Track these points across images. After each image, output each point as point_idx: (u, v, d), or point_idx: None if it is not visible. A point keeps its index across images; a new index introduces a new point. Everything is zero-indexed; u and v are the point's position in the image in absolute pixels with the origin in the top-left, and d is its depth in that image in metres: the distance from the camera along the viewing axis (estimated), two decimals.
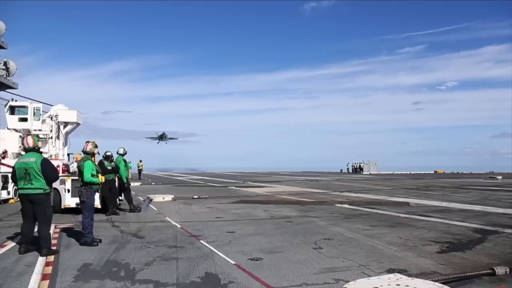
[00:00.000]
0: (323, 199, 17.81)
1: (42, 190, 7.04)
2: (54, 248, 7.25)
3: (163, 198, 17.11)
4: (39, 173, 6.96)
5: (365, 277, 5.20)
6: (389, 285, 4.39)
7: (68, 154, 27.62)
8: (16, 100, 24.16)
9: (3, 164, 18.37)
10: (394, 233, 8.88)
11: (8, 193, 16.06)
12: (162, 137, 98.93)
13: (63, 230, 9.40)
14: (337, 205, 14.92)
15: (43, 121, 25.92)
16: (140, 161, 44.13)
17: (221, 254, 6.85)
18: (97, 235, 8.12)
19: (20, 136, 23.30)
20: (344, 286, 4.52)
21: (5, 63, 18.92)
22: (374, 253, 6.96)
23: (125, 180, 13.61)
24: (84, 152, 8.56)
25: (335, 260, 6.47)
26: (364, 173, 61.45)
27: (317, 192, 22.57)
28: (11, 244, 7.79)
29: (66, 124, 27.01)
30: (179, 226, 10.02)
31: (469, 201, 16.34)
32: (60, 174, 14.86)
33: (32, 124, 24.63)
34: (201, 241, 8.01)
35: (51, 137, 26.13)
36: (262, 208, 14.18)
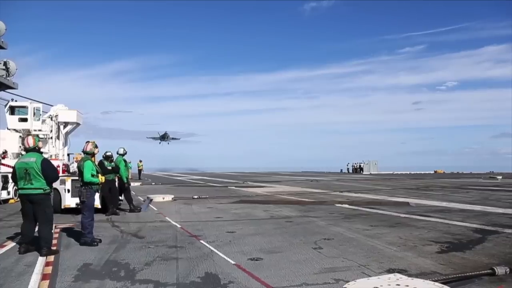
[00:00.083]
0: (323, 199, 17.82)
1: (42, 190, 7.04)
2: (54, 248, 7.25)
3: (163, 198, 17.12)
4: (39, 173, 6.97)
5: (365, 277, 5.20)
6: (389, 285, 4.39)
7: (68, 154, 27.65)
8: (16, 100, 24.17)
9: (3, 164, 18.38)
10: (394, 233, 8.88)
11: (8, 193, 16.07)
12: (164, 137, 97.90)
13: (63, 230, 9.40)
14: (337, 205, 14.92)
15: (43, 121, 25.93)
16: (140, 161, 44.22)
17: (221, 254, 6.85)
18: (97, 235, 8.12)
19: (20, 136, 23.33)
20: (344, 286, 4.52)
21: (5, 63, 18.89)
22: (374, 253, 6.96)
23: (125, 180, 13.62)
24: (84, 152, 8.57)
25: (335, 260, 6.47)
26: (364, 173, 61.48)
27: (317, 192, 22.57)
28: (11, 244, 7.80)
29: (66, 124, 27.02)
30: (179, 226, 10.02)
31: (469, 201, 16.34)
32: (60, 174, 14.86)
33: (32, 124, 24.63)
34: (201, 241, 8.01)
35: (51, 137, 26.14)
36: (262, 208, 14.18)
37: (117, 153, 13.85)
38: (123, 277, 5.58)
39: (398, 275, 4.85)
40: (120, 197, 13.70)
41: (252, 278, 5.46)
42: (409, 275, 5.16)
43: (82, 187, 8.08)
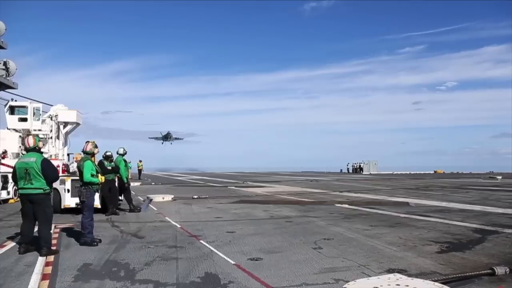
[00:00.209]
0: (323, 199, 17.82)
1: (42, 190, 7.05)
2: (54, 248, 7.25)
3: (163, 198, 17.13)
4: (39, 173, 6.97)
5: (365, 277, 5.21)
6: (389, 285, 4.39)
7: (68, 154, 27.61)
8: (16, 100, 24.15)
9: (3, 164, 18.37)
10: (394, 233, 8.88)
11: (8, 193, 16.07)
12: (166, 137, 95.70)
13: (63, 230, 9.40)
14: (337, 205, 14.93)
15: (43, 121, 25.90)
16: (140, 161, 44.26)
17: (221, 254, 6.85)
18: (97, 235, 8.12)
19: (20, 136, 23.32)
20: (344, 286, 4.53)
21: (5, 63, 18.89)
22: (374, 253, 6.96)
23: (125, 180, 13.62)
24: (84, 152, 8.57)
25: (335, 260, 6.47)
26: (364, 173, 61.50)
27: (317, 192, 22.57)
28: (11, 244, 7.80)
29: (66, 124, 26.99)
30: (179, 226, 10.02)
31: (469, 201, 16.35)
32: (60, 174, 14.85)
33: (32, 124, 24.59)
34: (201, 241, 8.01)
35: (51, 137, 26.09)
36: (262, 208, 14.18)
37: (117, 153, 13.86)
38: (123, 277, 5.58)
39: (398, 275, 4.85)
40: (120, 197, 13.70)
41: (252, 278, 5.47)
42: (409, 275, 5.16)
43: (82, 187, 8.09)
